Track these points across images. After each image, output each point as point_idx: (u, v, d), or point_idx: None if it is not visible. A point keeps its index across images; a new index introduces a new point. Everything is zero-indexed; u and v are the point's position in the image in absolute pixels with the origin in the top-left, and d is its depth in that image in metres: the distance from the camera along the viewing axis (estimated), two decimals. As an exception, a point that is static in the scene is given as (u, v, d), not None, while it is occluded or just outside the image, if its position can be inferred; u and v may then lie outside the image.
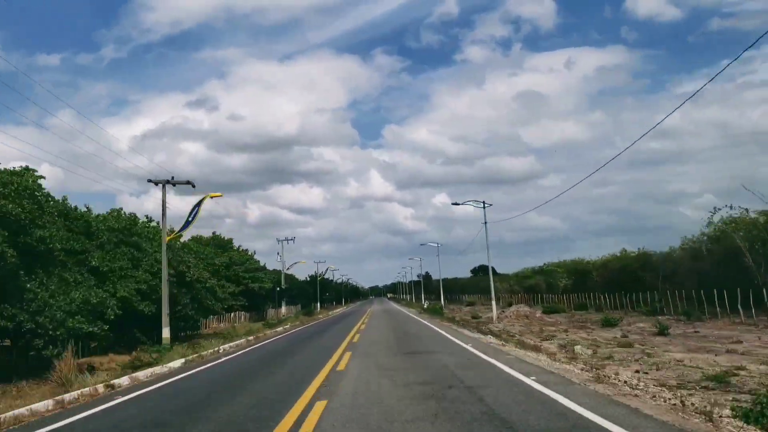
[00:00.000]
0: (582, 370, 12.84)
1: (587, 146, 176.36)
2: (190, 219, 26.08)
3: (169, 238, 25.73)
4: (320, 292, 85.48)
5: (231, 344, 25.57)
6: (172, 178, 25.83)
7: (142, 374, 15.74)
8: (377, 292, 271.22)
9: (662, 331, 25.09)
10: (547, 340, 24.41)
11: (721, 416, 7.64)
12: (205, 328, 41.51)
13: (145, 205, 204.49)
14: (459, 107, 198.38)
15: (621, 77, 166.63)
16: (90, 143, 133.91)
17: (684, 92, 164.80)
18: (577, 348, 19.05)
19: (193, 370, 16.44)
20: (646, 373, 13.35)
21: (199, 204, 26.12)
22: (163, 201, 25.35)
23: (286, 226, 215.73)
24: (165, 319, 23.83)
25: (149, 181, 25.38)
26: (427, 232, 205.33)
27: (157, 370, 16.80)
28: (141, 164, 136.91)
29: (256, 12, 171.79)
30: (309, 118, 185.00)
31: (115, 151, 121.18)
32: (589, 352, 18.49)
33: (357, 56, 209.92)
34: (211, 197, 26.76)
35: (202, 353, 21.07)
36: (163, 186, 25.46)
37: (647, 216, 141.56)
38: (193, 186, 26.27)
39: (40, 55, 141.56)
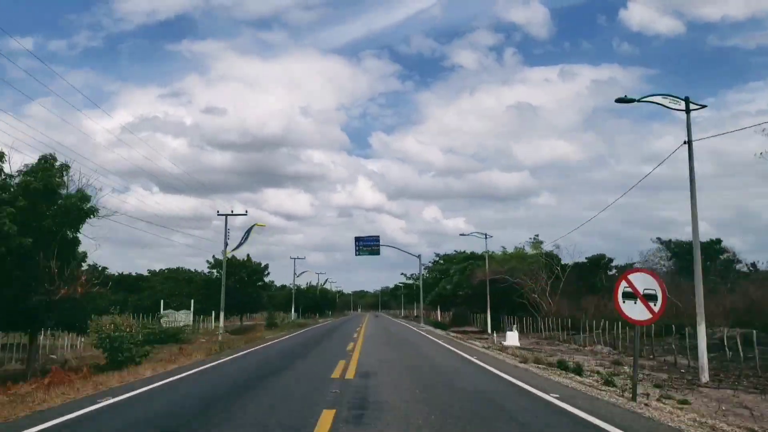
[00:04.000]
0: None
1: (582, 165, 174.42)
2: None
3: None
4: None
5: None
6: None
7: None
8: (367, 303, 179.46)
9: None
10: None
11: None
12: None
13: (129, 200, 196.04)
14: (451, 119, 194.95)
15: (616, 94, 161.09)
16: (67, 134, 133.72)
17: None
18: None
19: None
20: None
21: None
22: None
23: (272, 231, 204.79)
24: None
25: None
26: (417, 246, 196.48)
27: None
28: (121, 159, 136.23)
29: (237, 5, 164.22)
30: (296, 119, 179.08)
31: (94, 144, 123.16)
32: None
33: (348, 60, 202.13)
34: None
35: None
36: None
37: (637, 241, 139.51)
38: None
39: (13, 37, 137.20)
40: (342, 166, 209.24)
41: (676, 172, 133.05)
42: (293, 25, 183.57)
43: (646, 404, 10.70)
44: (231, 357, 20.25)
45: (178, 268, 68.05)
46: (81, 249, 19.93)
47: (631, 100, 17.58)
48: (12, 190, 17.90)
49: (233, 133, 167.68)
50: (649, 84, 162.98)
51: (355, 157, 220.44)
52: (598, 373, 17.05)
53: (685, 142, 17.59)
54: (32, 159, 19.07)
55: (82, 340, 26.02)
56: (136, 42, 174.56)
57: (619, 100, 17.62)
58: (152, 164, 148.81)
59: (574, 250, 53.74)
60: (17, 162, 19.69)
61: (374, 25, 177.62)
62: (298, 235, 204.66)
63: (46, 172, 18.17)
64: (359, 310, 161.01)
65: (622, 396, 11.69)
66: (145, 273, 68.62)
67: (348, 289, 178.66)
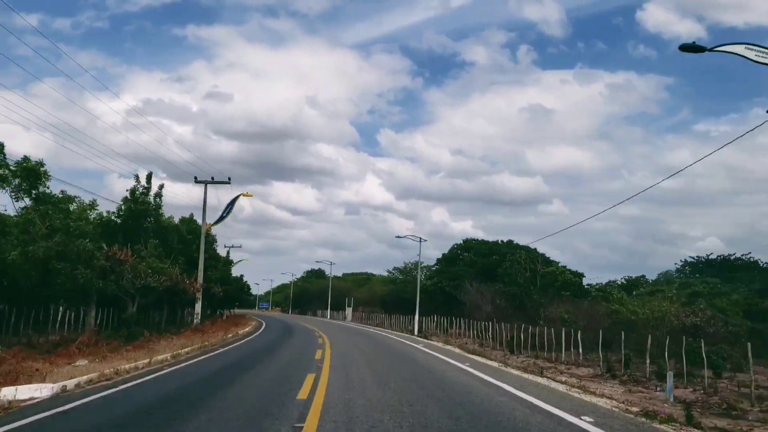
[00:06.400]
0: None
1: (596, 173, 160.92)
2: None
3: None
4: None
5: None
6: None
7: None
8: (372, 296, 79.05)
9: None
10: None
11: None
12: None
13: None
14: (462, 122, 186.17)
15: (633, 103, 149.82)
16: (73, 116, 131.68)
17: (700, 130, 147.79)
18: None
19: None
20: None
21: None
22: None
23: (279, 226, 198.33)
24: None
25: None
26: (423, 248, 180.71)
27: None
28: (127, 143, 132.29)
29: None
30: (304, 111, 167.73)
31: (101, 128, 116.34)
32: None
33: (358, 53, 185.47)
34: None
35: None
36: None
37: (646, 254, 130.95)
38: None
39: (19, 13, 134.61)
40: (350, 161, 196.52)
41: (690, 186, 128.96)
42: (302, 14, 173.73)
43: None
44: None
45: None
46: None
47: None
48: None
49: (241, 122, 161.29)
50: (666, 91, 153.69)
51: (364, 154, 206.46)
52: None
53: (768, 111, 13.32)
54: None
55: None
56: (142, 25, 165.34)
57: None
58: (156, 151, 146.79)
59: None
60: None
61: (386, 19, 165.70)
62: (304, 231, 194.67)
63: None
64: (348, 311, 77.66)
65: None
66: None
67: (341, 270, 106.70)
